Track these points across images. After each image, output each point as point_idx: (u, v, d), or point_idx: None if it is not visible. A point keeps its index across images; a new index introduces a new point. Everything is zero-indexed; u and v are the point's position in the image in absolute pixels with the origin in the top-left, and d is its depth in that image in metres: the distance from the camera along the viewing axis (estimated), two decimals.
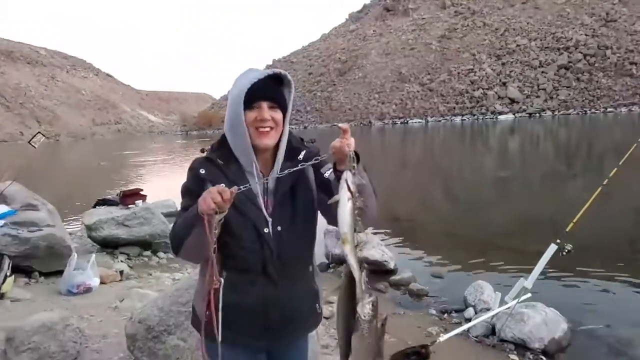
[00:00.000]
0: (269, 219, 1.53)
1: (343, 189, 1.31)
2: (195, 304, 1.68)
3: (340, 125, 1.39)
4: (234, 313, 1.49)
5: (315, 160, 1.55)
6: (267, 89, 1.52)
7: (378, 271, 6.34)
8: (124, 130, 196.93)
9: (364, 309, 1.29)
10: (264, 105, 1.51)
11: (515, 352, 4.05)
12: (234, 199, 1.45)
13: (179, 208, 1.65)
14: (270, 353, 1.66)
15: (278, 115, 1.54)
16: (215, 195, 1.31)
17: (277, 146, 1.58)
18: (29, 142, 5.79)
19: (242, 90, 1.48)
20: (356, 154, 1.40)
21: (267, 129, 1.52)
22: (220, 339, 1.46)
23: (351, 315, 1.33)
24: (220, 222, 1.40)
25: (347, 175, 1.30)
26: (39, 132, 6.07)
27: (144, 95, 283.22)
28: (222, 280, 1.44)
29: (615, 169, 4.64)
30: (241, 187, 1.42)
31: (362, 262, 1.33)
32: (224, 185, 1.35)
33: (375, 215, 1.54)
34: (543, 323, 4.20)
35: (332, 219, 1.46)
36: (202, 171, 1.53)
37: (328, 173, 1.54)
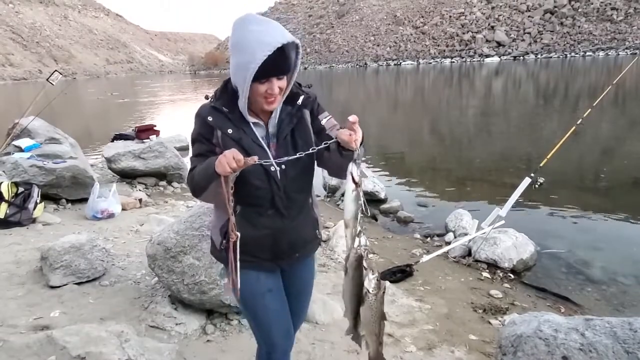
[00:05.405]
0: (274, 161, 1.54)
1: (349, 182, 1.32)
2: (212, 235, 1.73)
3: (349, 118, 1.32)
4: (249, 242, 1.54)
5: (325, 144, 1.46)
6: (278, 63, 1.40)
7: (370, 200, 6.44)
8: (136, 69, 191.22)
9: (370, 284, 1.34)
10: (274, 80, 1.44)
11: (487, 271, 4.20)
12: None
13: (190, 150, 1.65)
14: (283, 270, 1.75)
15: (285, 82, 1.49)
16: (231, 162, 1.32)
17: None
18: (47, 79, 5.63)
19: (251, 66, 1.35)
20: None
21: (274, 99, 1.48)
22: (238, 294, 1.54)
23: (357, 289, 1.37)
24: (235, 177, 1.43)
25: (352, 167, 1.31)
26: (55, 70, 5.89)
27: (153, 35, 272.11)
28: (239, 234, 1.48)
29: (590, 109, 4.57)
30: (257, 160, 1.39)
31: (366, 243, 1.35)
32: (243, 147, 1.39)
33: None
34: (513, 246, 4.33)
35: (323, 164, 1.58)
36: (210, 118, 1.51)
37: (324, 121, 1.59)
